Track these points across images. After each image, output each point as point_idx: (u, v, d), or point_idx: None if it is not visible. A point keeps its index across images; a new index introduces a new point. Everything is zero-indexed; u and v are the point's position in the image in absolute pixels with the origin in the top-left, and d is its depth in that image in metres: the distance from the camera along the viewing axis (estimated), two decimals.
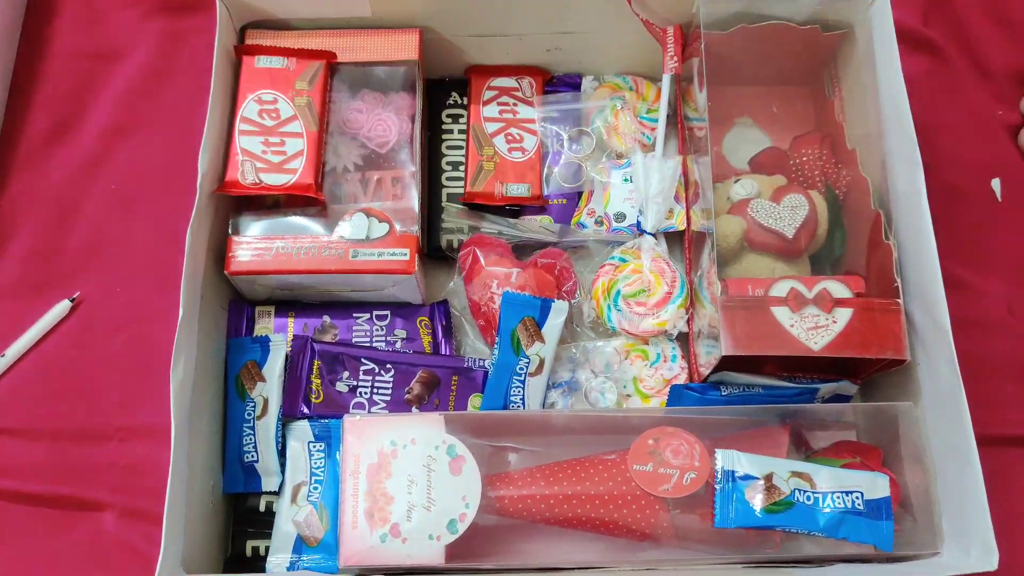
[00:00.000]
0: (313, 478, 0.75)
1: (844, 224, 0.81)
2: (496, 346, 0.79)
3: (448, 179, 0.89)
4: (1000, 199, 0.92)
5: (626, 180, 0.88)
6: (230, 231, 0.78)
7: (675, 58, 0.86)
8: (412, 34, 0.84)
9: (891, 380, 0.77)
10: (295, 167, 0.78)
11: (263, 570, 0.74)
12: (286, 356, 0.78)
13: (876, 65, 0.78)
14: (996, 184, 0.92)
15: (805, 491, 0.69)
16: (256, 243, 0.77)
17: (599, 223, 0.87)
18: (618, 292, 0.83)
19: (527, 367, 0.78)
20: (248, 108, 0.80)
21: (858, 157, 0.80)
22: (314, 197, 0.79)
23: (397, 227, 0.79)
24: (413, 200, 0.81)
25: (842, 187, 0.82)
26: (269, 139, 0.79)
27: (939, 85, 0.95)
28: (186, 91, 0.93)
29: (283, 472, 0.76)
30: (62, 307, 0.87)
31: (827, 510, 0.68)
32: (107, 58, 0.95)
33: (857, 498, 0.68)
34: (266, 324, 0.82)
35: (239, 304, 0.82)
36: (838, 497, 0.68)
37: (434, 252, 0.87)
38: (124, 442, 0.83)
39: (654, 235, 0.86)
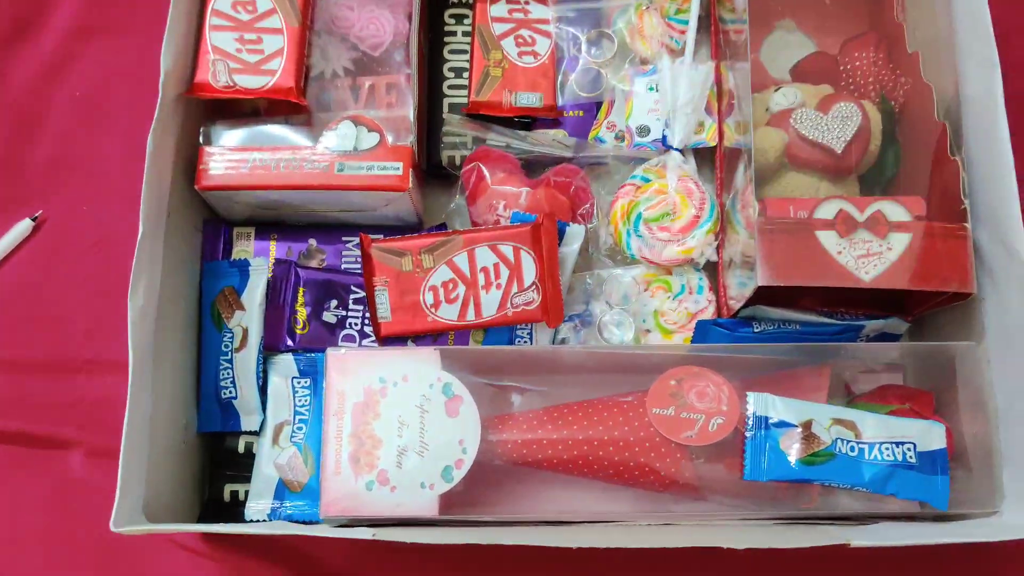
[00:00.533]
0: (297, 417, 0.68)
1: (899, 139, 0.71)
2: None
3: (450, 87, 0.79)
4: None
5: (651, 89, 0.78)
6: (201, 141, 0.70)
7: None
8: None
9: (948, 317, 0.68)
10: (274, 68, 0.69)
11: (242, 516, 0.67)
12: (268, 282, 0.70)
13: None
14: None
15: (848, 441, 0.61)
16: (230, 155, 0.69)
17: (619, 138, 0.78)
18: (639, 215, 0.74)
19: None
20: (220, 0, 0.70)
21: (920, 61, 0.70)
22: (295, 102, 0.69)
23: (389, 138, 0.69)
24: (408, 108, 0.71)
25: (899, 96, 0.72)
26: (244, 36, 0.69)
27: None
28: None
29: (264, 410, 0.69)
30: (23, 226, 0.79)
31: (874, 462, 0.60)
32: None
33: (909, 450, 0.60)
34: (245, 247, 0.74)
35: (215, 225, 0.74)
36: (887, 448, 0.60)
37: (434, 169, 0.78)
38: (91, 375, 0.76)
39: (681, 151, 0.76)
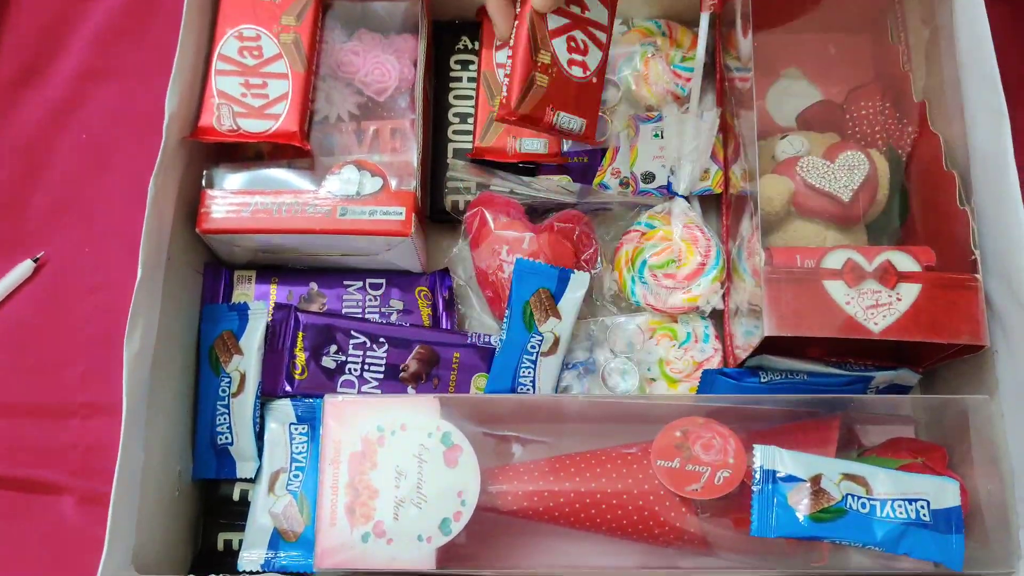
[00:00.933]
0: (294, 465, 0.66)
1: (907, 189, 0.71)
2: (505, 320, 0.69)
3: (455, 132, 0.79)
4: None
5: (656, 136, 0.78)
6: (204, 184, 0.69)
7: None
8: None
9: (960, 370, 0.67)
10: (278, 112, 0.69)
11: (235, 566, 0.65)
12: (267, 326, 0.69)
13: (955, 1, 0.66)
14: None
15: (859, 497, 0.59)
16: (232, 198, 0.68)
17: (624, 184, 0.77)
18: (644, 262, 0.73)
19: (539, 345, 0.68)
20: (227, 45, 0.70)
21: (927, 110, 0.69)
22: (299, 146, 0.69)
23: (392, 183, 0.69)
24: (412, 153, 0.71)
25: (906, 146, 0.71)
26: (250, 80, 0.69)
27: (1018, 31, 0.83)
28: (169, 32, 0.84)
29: (260, 457, 0.68)
30: (24, 267, 0.78)
31: (886, 520, 0.58)
32: None
33: (922, 507, 0.58)
34: (246, 291, 0.73)
35: (215, 268, 0.73)
36: (899, 505, 0.58)
37: (437, 215, 0.78)
38: (87, 420, 0.75)
39: (687, 198, 0.75)
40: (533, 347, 0.68)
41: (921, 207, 0.69)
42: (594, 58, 0.67)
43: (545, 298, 0.69)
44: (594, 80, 0.67)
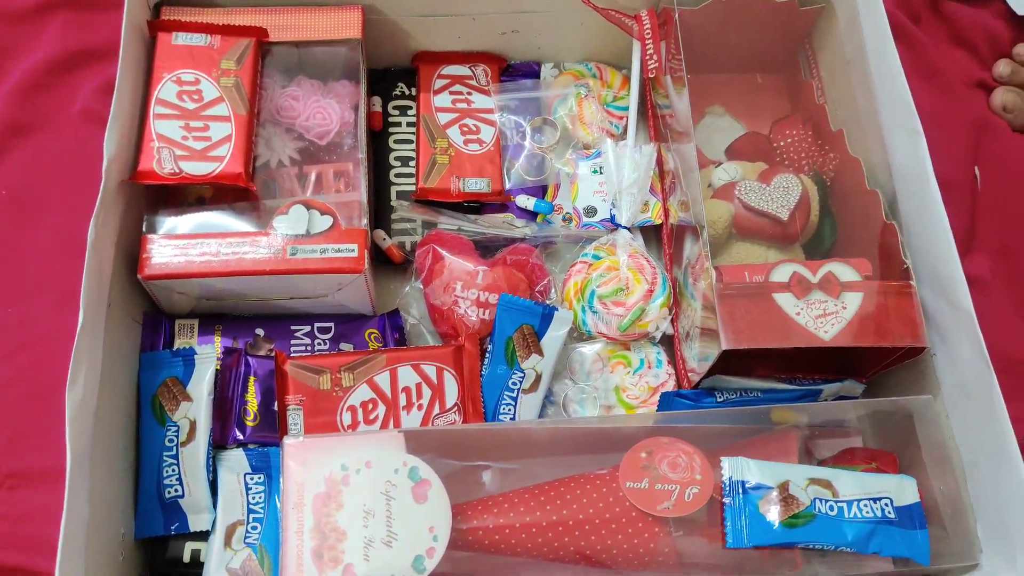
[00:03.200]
0: (251, 516, 0.63)
1: (833, 211, 0.75)
2: (488, 355, 0.69)
3: (397, 176, 0.79)
4: (979, 186, 0.87)
5: (595, 172, 0.80)
6: (144, 229, 0.67)
7: (655, 56, 0.79)
8: (354, 11, 0.76)
9: (901, 377, 0.70)
10: (221, 154, 0.68)
11: None
12: (215, 372, 0.67)
13: (864, 33, 0.72)
14: (977, 172, 0.88)
15: (827, 500, 0.60)
16: (175, 242, 0.66)
17: (567, 219, 0.79)
18: (593, 292, 0.74)
19: (521, 382, 0.68)
20: (165, 89, 0.69)
21: (845, 137, 0.74)
22: (244, 188, 0.68)
23: (342, 222, 0.68)
24: (360, 192, 0.71)
25: (830, 171, 0.76)
26: (191, 123, 0.68)
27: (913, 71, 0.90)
28: (88, 85, 0.82)
29: (215, 509, 0.64)
30: None
31: (854, 520, 0.59)
32: (1, 52, 0.84)
33: (886, 504, 0.60)
34: (188, 340, 0.70)
35: (155, 317, 0.70)
36: (865, 505, 0.60)
37: (382, 257, 0.77)
38: (13, 491, 0.69)
39: (629, 229, 0.77)
40: (515, 384, 0.68)
41: (850, 225, 0.73)
42: (487, 133, 0.80)
43: (528, 334, 0.69)
44: (491, 149, 0.79)
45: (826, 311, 0.64)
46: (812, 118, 0.78)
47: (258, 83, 0.72)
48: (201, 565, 0.63)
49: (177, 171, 0.67)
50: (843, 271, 0.65)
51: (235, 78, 0.70)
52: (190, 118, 0.68)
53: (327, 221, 0.68)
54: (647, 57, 0.79)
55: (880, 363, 0.68)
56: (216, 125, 0.68)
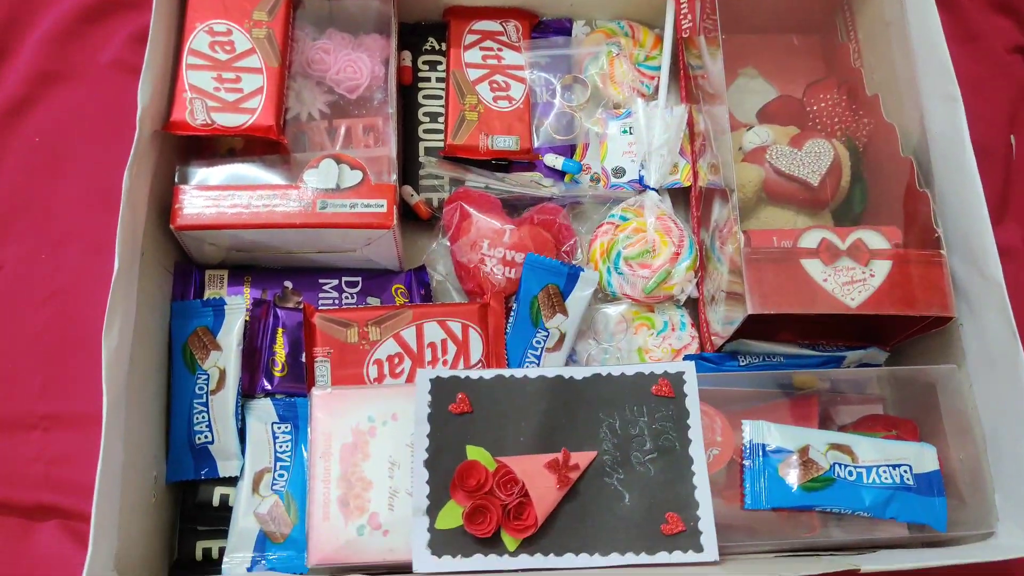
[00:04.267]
0: (278, 464, 0.65)
1: (865, 177, 0.74)
2: (513, 314, 0.69)
3: (426, 132, 0.79)
4: (1015, 155, 0.86)
5: (624, 132, 0.79)
6: (177, 180, 0.68)
7: (689, 16, 0.77)
8: None
9: (925, 346, 0.70)
10: (253, 106, 0.68)
11: (217, 574, 0.63)
12: (245, 322, 0.68)
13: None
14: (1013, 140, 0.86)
15: (846, 465, 0.60)
16: (207, 193, 0.67)
17: (595, 179, 0.79)
18: (619, 253, 0.74)
19: (545, 341, 0.69)
20: (197, 40, 0.69)
21: (881, 102, 0.73)
22: (275, 140, 0.68)
23: (372, 177, 0.69)
24: (390, 147, 0.71)
25: (863, 136, 0.75)
26: (223, 75, 0.68)
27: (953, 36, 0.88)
28: (121, 34, 0.82)
29: (243, 456, 0.65)
30: None
31: (872, 486, 0.60)
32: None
33: (905, 472, 0.60)
34: (218, 291, 0.71)
35: (186, 267, 0.71)
36: (884, 471, 0.60)
37: (410, 213, 0.77)
38: (48, 432, 0.71)
39: (657, 191, 0.77)
40: (538, 342, 0.68)
41: (881, 192, 0.72)
42: (517, 90, 0.79)
43: (553, 294, 0.69)
44: (520, 106, 0.78)
45: (854, 278, 0.63)
46: (847, 82, 0.77)
47: (290, 35, 0.72)
48: (229, 509, 0.65)
49: (209, 122, 0.67)
50: (873, 238, 0.65)
51: (267, 29, 0.70)
52: (222, 69, 0.68)
53: (357, 176, 0.68)
54: (681, 16, 0.78)
55: (906, 332, 0.68)
56: (248, 76, 0.69)
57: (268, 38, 0.70)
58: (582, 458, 0.59)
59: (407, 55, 0.81)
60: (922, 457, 0.62)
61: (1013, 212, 0.82)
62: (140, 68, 0.64)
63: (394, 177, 0.69)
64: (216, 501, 0.66)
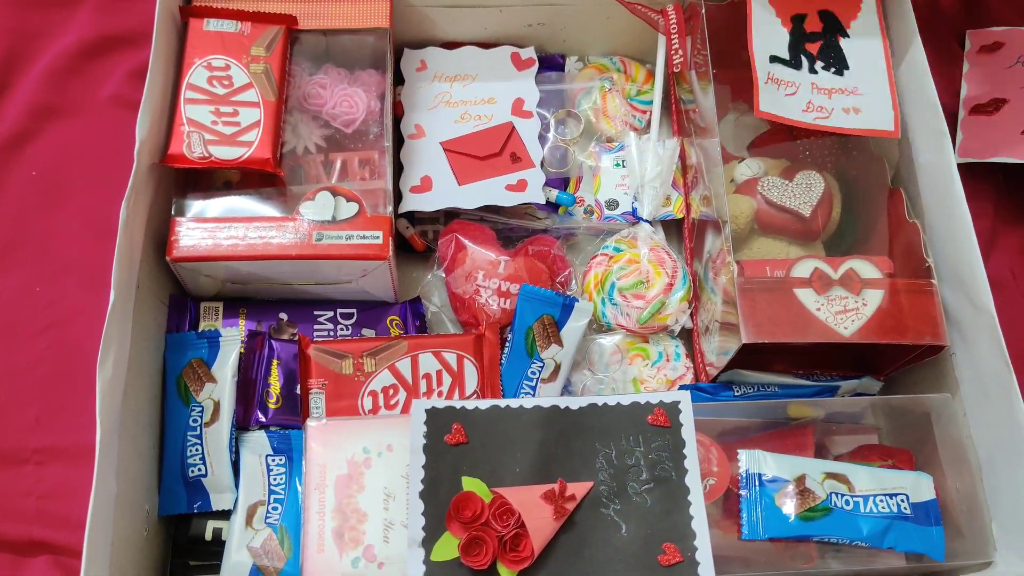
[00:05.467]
0: (272, 497, 0.64)
1: (855, 208, 0.75)
2: (508, 344, 0.70)
3: None
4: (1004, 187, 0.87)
5: (617, 165, 0.80)
6: (173, 212, 0.68)
7: (680, 52, 0.79)
8: (383, 1, 0.76)
9: (919, 376, 0.70)
10: (250, 139, 0.69)
11: None
12: (240, 354, 0.67)
13: (891, 31, 0.72)
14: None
15: (843, 495, 0.60)
16: (203, 225, 0.67)
17: (588, 211, 0.79)
18: (613, 284, 0.75)
19: (540, 371, 0.69)
20: (196, 75, 0.70)
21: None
22: (272, 173, 0.69)
23: (367, 209, 0.69)
24: (385, 179, 0.71)
25: (852, 169, 0.76)
26: (220, 109, 0.69)
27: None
28: (120, 70, 0.83)
29: (237, 489, 0.65)
30: None
31: (870, 515, 0.59)
32: (34, 34, 0.85)
33: (902, 501, 0.60)
34: (213, 323, 0.71)
35: (181, 299, 0.71)
36: (881, 500, 0.60)
37: (405, 245, 0.78)
38: (40, 466, 0.70)
39: (651, 222, 0.78)
40: (534, 373, 0.69)
41: (872, 223, 0.73)
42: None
43: (548, 324, 0.69)
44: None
45: (846, 307, 0.64)
46: None
47: (287, 70, 0.73)
48: (222, 543, 0.64)
49: (207, 155, 0.68)
50: (864, 268, 0.66)
51: (264, 64, 0.71)
52: (220, 103, 0.69)
53: (353, 208, 0.68)
54: (672, 52, 0.80)
55: (899, 361, 0.68)
56: (245, 110, 0.69)
57: (266, 73, 0.71)
58: (578, 489, 0.59)
59: (402, 90, 0.82)
60: (918, 486, 0.62)
61: (1002, 245, 0.83)
62: (139, 103, 0.64)
63: (390, 209, 0.70)
64: (209, 535, 0.65)
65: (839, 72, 0.71)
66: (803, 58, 0.71)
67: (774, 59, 0.71)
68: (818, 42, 0.72)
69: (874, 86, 0.71)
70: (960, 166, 0.66)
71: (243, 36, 0.72)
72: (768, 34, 0.71)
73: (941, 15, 0.91)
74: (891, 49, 0.73)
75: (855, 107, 0.72)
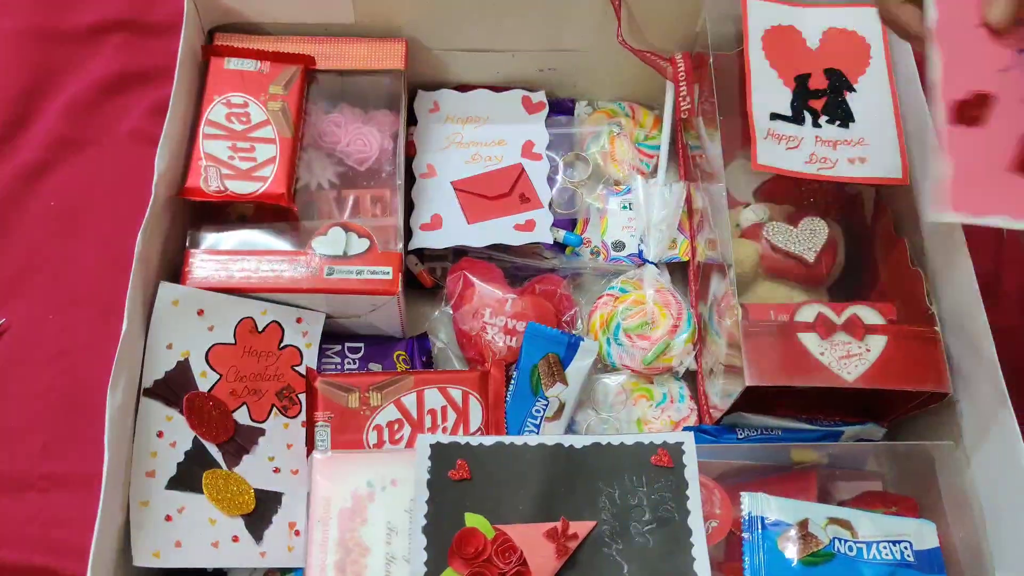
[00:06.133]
0: None
1: (858, 254, 0.76)
2: (513, 382, 0.70)
3: None
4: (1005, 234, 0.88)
5: (624, 208, 0.82)
6: (188, 244, 0.69)
7: (687, 98, 0.81)
8: (398, 43, 0.78)
9: (923, 423, 0.70)
10: (265, 175, 0.70)
11: None
12: None
13: (897, 78, 0.74)
14: None
15: (846, 540, 0.60)
16: (217, 258, 0.68)
17: (595, 252, 0.80)
18: (618, 325, 0.75)
19: (544, 409, 0.69)
20: (215, 111, 0.72)
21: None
22: (286, 207, 0.70)
23: (378, 245, 0.70)
24: (396, 217, 0.73)
25: (857, 216, 0.77)
26: (237, 144, 0.71)
27: None
28: (140, 105, 0.85)
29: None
30: None
31: (873, 562, 0.59)
32: (57, 69, 0.87)
33: (906, 548, 0.60)
34: None
35: None
36: (884, 547, 0.60)
37: (413, 282, 0.79)
38: (45, 493, 0.71)
39: (656, 264, 0.79)
40: (538, 411, 0.69)
41: (875, 271, 0.74)
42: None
43: (554, 363, 0.70)
44: None
45: (850, 352, 0.64)
46: None
47: (303, 108, 0.75)
48: (225, 573, 0.64)
49: (223, 189, 0.69)
50: (868, 314, 0.66)
51: (282, 102, 0.73)
52: (237, 139, 0.71)
53: (364, 244, 0.70)
54: (680, 99, 0.81)
55: (902, 407, 0.68)
56: (262, 147, 0.71)
57: (283, 110, 0.73)
58: (581, 527, 0.59)
59: (415, 130, 0.84)
60: (922, 534, 0.61)
61: (1006, 290, 0.83)
62: (158, 138, 0.66)
63: (400, 246, 0.71)
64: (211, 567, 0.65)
65: (844, 125, 0.72)
66: (806, 114, 0.73)
67: (775, 116, 0.72)
68: (823, 98, 0.73)
69: (881, 135, 0.72)
70: None
71: (262, 75, 0.74)
72: (769, 93, 0.73)
73: None
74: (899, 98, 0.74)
75: (860, 157, 0.73)
